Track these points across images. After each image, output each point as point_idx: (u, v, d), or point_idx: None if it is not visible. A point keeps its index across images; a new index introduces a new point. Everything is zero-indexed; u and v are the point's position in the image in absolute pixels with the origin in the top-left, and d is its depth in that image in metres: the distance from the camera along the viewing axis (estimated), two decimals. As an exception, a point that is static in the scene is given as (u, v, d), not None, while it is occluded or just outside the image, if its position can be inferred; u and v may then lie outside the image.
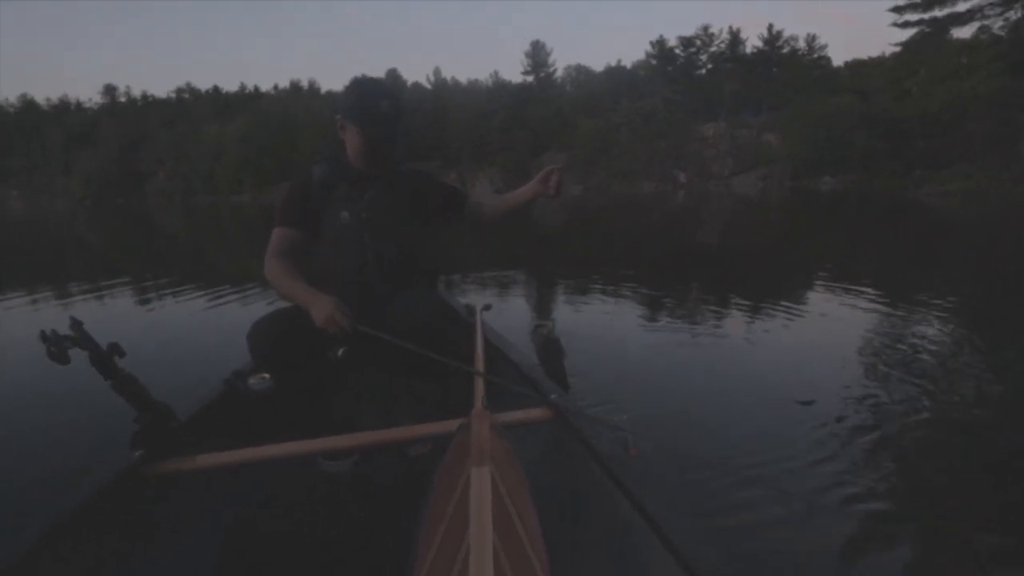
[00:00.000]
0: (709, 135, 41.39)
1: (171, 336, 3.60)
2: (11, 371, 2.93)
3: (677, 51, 46.95)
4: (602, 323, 3.66)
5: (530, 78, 52.18)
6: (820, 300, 4.31)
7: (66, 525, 0.97)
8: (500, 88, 51.44)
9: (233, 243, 11.91)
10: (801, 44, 46.18)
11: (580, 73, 54.21)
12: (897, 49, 35.03)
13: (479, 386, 1.38)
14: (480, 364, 1.60)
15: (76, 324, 1.10)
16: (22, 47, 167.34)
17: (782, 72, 44.42)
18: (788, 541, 1.44)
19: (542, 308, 4.23)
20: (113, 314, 4.41)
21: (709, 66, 47.02)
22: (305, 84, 64.11)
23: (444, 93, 53.36)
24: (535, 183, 1.63)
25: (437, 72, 57.83)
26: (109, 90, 65.93)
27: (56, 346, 1.03)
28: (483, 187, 43.72)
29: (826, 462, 1.79)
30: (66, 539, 0.96)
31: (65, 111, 66.31)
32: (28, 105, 66.74)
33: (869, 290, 4.53)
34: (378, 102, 1.52)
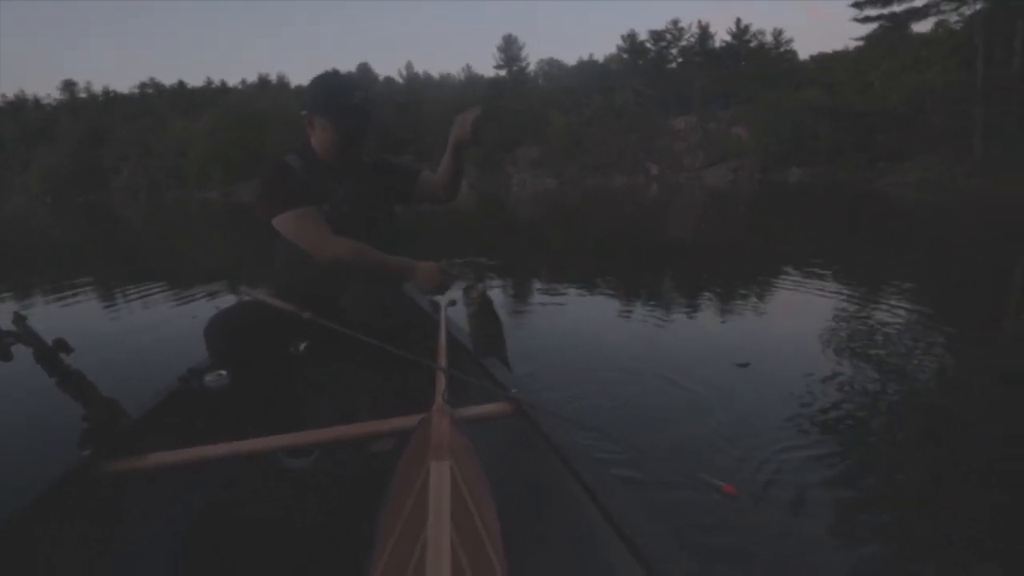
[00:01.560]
0: (680, 128, 41.84)
1: (127, 334, 3.54)
2: None
3: (648, 45, 47.34)
4: (569, 315, 3.75)
5: (503, 72, 52.08)
6: (784, 288, 4.48)
7: (14, 528, 0.94)
8: (473, 82, 51.18)
9: (199, 239, 11.67)
10: (768, 38, 47.09)
11: (552, 67, 54.30)
12: (860, 43, 35.85)
13: (440, 381, 1.37)
14: (442, 359, 1.57)
15: (19, 319, 1.06)
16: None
17: (750, 66, 45.13)
18: (748, 536, 1.45)
19: (513, 302, 4.29)
20: (67, 312, 4.34)
21: (679, 60, 47.51)
22: (274, 78, 62.92)
23: (417, 87, 52.85)
24: (453, 130, 1.56)
25: (409, 66, 57.37)
26: (68, 86, 63.64)
27: None
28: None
29: (787, 453, 1.82)
30: (14, 542, 0.93)
31: (22, 108, 63.83)
32: (-19, 101, 64.04)
33: (832, 278, 4.72)
34: (350, 93, 1.52)
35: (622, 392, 2.35)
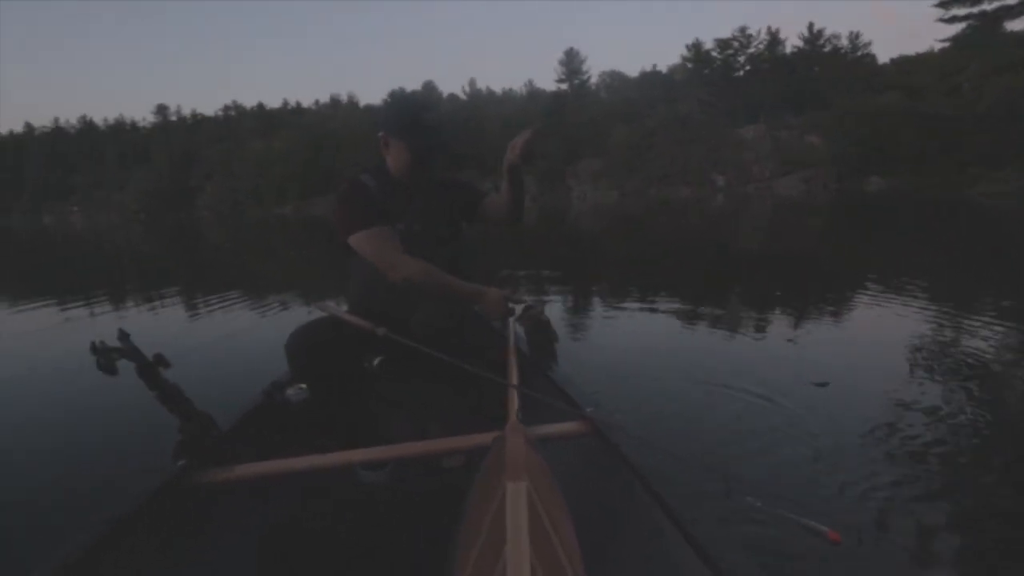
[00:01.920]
0: (748, 137, 40.46)
1: (213, 346, 3.72)
2: (63, 379, 3.06)
3: (714, 53, 46.23)
4: (637, 330, 3.64)
5: (564, 86, 52.24)
6: (866, 303, 4.19)
7: (113, 535, 1.00)
8: (535, 96, 51.62)
9: (278, 255, 12.26)
10: (844, 42, 44.95)
11: (615, 79, 53.92)
12: (946, 45, 33.62)
13: (513, 398, 1.36)
14: (513, 375, 1.57)
15: (124, 336, 1.14)
16: (82, 71, 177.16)
17: (824, 71, 43.19)
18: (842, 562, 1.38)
19: (577, 316, 4.23)
20: (158, 323, 4.62)
21: (747, 68, 46.11)
22: (344, 98, 65.82)
23: (479, 103, 53.87)
24: (506, 154, 1.57)
25: (472, 83, 58.54)
26: (161, 109, 69.05)
27: (105, 357, 1.08)
28: (518, 195, 43.63)
29: (888, 490, 1.71)
30: (112, 548, 0.99)
31: (121, 130, 69.70)
32: (88, 126, 70.46)
33: (919, 293, 4.38)
34: (421, 115, 1.57)
35: (699, 412, 2.25)
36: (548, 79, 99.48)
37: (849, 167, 34.29)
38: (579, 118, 45.93)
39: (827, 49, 44.80)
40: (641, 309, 4.23)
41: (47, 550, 0.93)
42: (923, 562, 1.41)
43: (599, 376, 2.58)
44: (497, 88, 60.18)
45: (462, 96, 56.75)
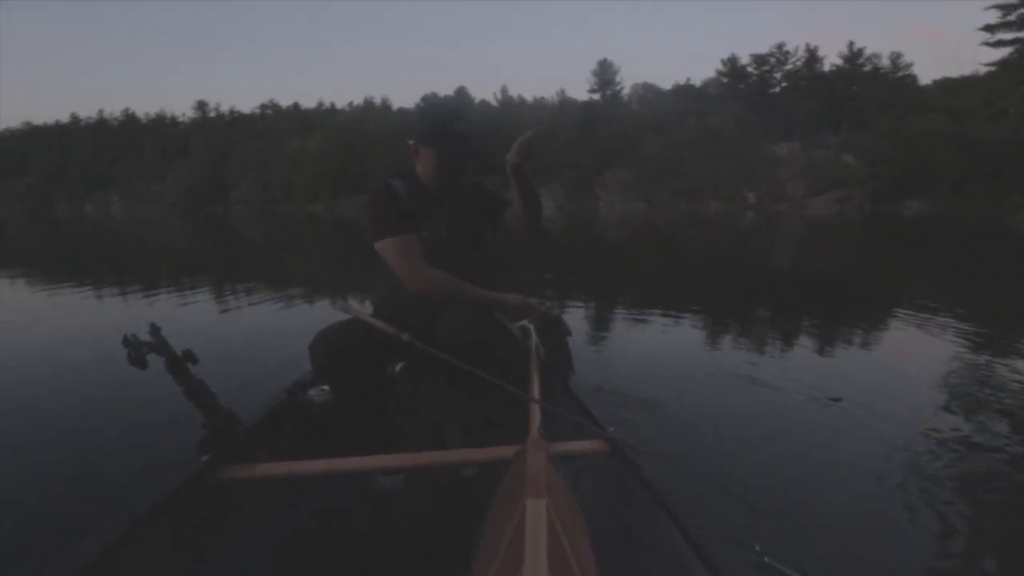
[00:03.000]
0: (783, 154, 39.85)
1: (238, 341, 3.75)
2: (92, 369, 3.08)
3: (750, 69, 45.81)
4: (660, 344, 3.58)
5: (596, 96, 52.21)
6: (899, 332, 4.05)
7: (136, 529, 1.01)
8: (566, 106, 51.70)
9: (306, 251, 12.44)
10: (885, 62, 44.10)
11: (647, 91, 53.70)
12: (991, 68, 32.70)
13: (535, 413, 1.35)
14: (535, 389, 1.56)
15: (155, 330, 1.16)
16: (127, 64, 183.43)
17: (863, 91, 42.36)
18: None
19: (598, 326, 4.18)
20: (186, 315, 4.66)
21: (783, 84, 45.54)
22: (378, 101, 66.86)
23: (511, 110, 54.13)
24: (508, 158, 1.56)
25: (504, 90, 58.92)
26: (201, 106, 71.01)
27: (136, 351, 1.09)
28: (546, 203, 43.70)
29: (898, 508, 1.66)
30: (135, 543, 1.00)
31: (162, 124, 71.81)
32: (130, 119, 72.78)
33: (956, 324, 4.21)
34: (452, 124, 1.58)
35: (723, 434, 2.18)
36: (580, 89, 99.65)
37: (886, 189, 33.54)
38: (610, 129, 45.80)
39: (867, 68, 43.99)
40: (665, 323, 4.15)
41: (70, 542, 0.94)
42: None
43: (620, 389, 2.51)
44: (529, 96, 60.52)
45: (494, 103, 57.12)
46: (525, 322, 1.84)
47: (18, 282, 6.95)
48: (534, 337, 1.96)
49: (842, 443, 2.10)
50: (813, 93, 42.62)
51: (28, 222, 29.45)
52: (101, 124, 72.64)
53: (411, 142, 1.62)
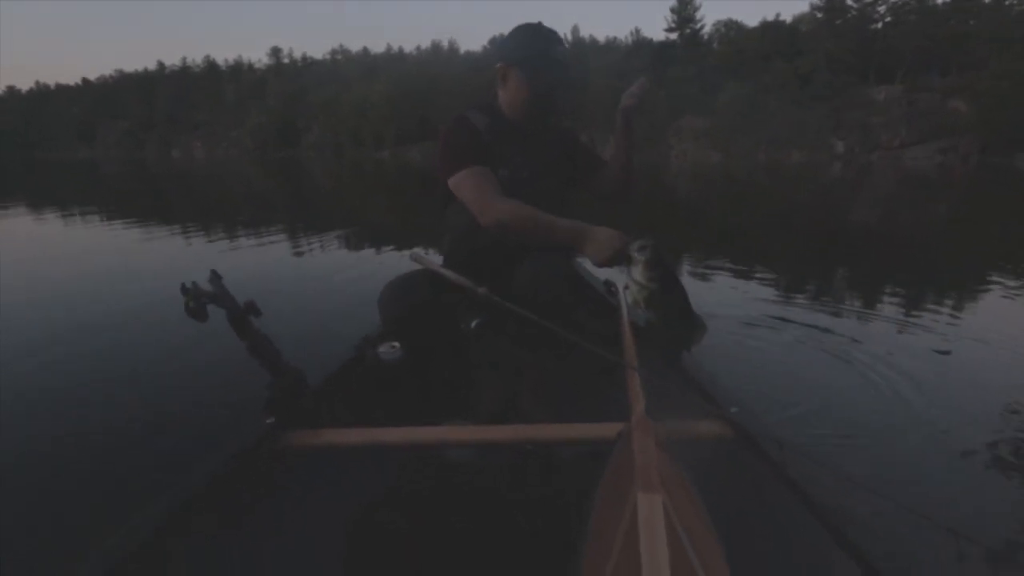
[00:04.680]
0: (880, 99, 36.40)
1: (305, 289, 3.61)
2: (150, 317, 2.89)
3: (850, 1, 41.49)
4: (751, 313, 3.20)
5: (674, 35, 49.08)
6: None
7: (196, 498, 0.96)
8: (640, 46, 49.03)
9: (375, 196, 12.55)
10: (1011, -9, 38.68)
11: (730, 29, 49.98)
12: None
13: (635, 386, 1.18)
14: (632, 356, 1.37)
15: (216, 277, 1.07)
16: (206, 13, 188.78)
17: (981, 25, 37.56)
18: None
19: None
20: (250, 261, 4.57)
21: (888, 19, 41.06)
22: (445, 44, 65.90)
23: (582, 52, 51.98)
24: (622, 113, 1.49)
25: (575, 30, 56.49)
26: (275, 52, 72.68)
27: (195, 300, 1.00)
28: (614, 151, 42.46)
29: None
30: (199, 510, 0.96)
31: (239, 71, 74.14)
32: (210, 66, 75.47)
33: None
34: (552, 47, 1.43)
35: (849, 415, 1.87)
36: (657, 28, 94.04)
37: (999, 138, 30.12)
38: (686, 72, 43.18)
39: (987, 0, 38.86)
40: (755, 288, 3.79)
41: (123, 511, 0.90)
42: None
43: (718, 363, 2.24)
44: (601, 37, 57.81)
45: (564, 44, 55.01)
46: (633, 270, 1.29)
47: (92, 220, 7.25)
48: (622, 292, 1.73)
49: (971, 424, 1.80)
50: (922, 29, 38.19)
51: (121, 164, 31.43)
52: (184, 71, 75.83)
53: (499, 65, 1.46)
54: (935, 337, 2.63)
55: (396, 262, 4.42)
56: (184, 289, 1.00)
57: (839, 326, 2.87)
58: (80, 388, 2.08)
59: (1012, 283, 3.94)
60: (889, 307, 3.22)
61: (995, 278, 4.10)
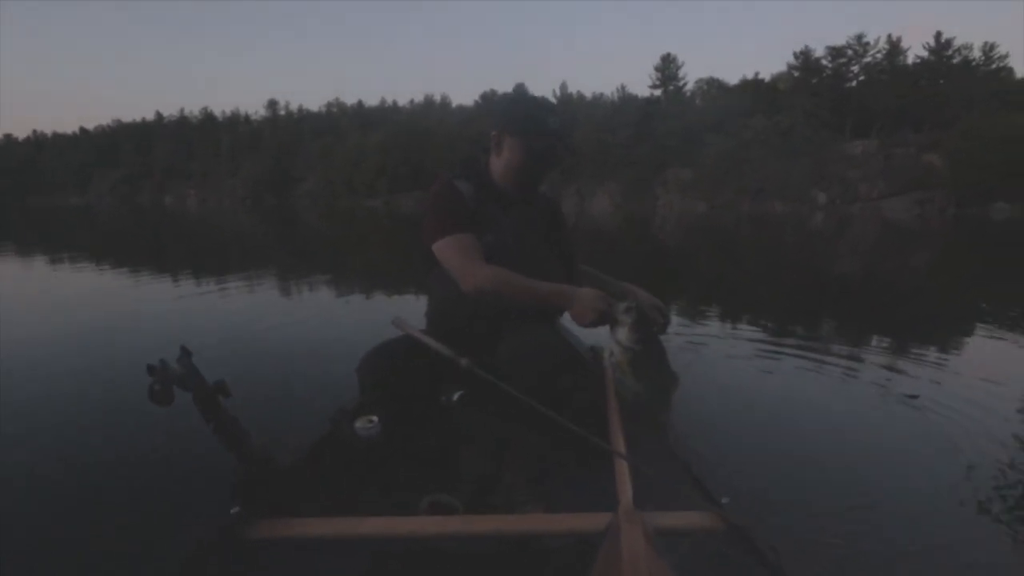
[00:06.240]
0: (857, 153, 37.61)
1: (278, 351, 3.36)
2: (111, 392, 2.59)
3: (824, 62, 43.43)
4: (740, 375, 3.04)
5: (658, 92, 50.93)
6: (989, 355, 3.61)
7: None
8: (626, 102, 50.72)
9: (363, 245, 12.52)
10: (976, 53, 40.78)
11: (712, 86, 51.93)
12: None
13: (623, 473, 1.14)
14: (620, 440, 1.31)
15: (185, 356, 1.00)
16: (205, 65, 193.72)
17: (951, 85, 39.35)
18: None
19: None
20: (226, 311, 4.46)
21: (861, 78, 42.94)
22: (438, 98, 67.81)
23: (570, 107, 53.61)
24: (650, 307, 1.56)
25: (563, 86, 58.43)
26: (271, 104, 74.18)
27: (162, 383, 0.93)
28: (601, 201, 43.16)
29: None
30: None
31: (236, 121, 75.42)
32: (207, 117, 76.82)
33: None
34: (547, 117, 1.47)
35: (848, 496, 1.73)
36: (642, 85, 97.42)
37: (973, 191, 31.08)
38: (671, 126, 44.57)
39: (956, 61, 40.83)
40: (742, 345, 3.63)
41: None
42: None
43: (705, 434, 2.04)
44: (588, 92, 59.75)
45: (552, 99, 56.58)
46: (618, 332, 1.34)
47: (61, 266, 7.11)
48: (607, 360, 1.68)
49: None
50: (894, 87, 39.95)
51: (114, 209, 31.30)
52: (182, 121, 77.00)
53: (494, 132, 1.50)
54: (937, 397, 2.60)
55: (377, 326, 4.19)
56: (151, 369, 0.93)
57: (830, 389, 2.83)
58: (21, 467, 1.87)
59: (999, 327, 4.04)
60: (880, 368, 3.16)
61: (984, 328, 4.22)
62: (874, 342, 3.94)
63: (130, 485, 1.73)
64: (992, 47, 40.57)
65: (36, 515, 1.57)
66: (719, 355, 3.42)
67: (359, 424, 1.35)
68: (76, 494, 1.67)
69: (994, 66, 40.80)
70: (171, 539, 1.01)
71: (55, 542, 1.43)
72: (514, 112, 1.50)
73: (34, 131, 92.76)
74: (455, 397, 1.36)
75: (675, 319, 4.41)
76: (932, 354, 3.53)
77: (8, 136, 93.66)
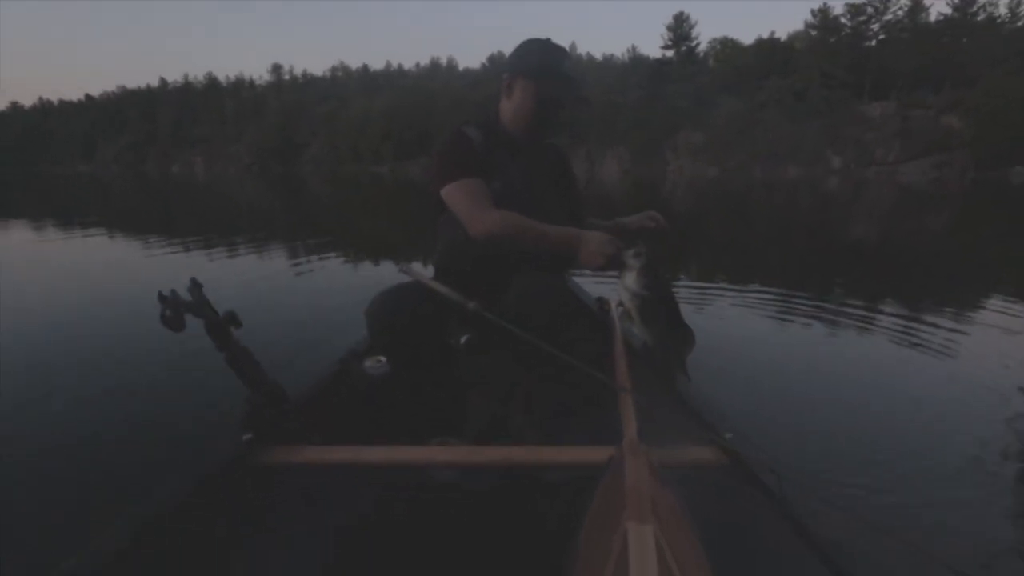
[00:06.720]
0: (874, 115, 36.71)
1: (290, 299, 3.51)
2: (128, 326, 2.81)
3: (843, 20, 42.04)
4: (751, 332, 3.05)
5: (670, 53, 49.60)
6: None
7: (169, 513, 0.91)
8: (637, 63, 49.57)
9: (369, 209, 12.48)
10: (1002, 10, 39.37)
11: (726, 46, 50.52)
12: None
13: (627, 409, 1.15)
14: (624, 377, 1.33)
15: (196, 286, 1.03)
16: (209, 30, 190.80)
17: (974, 43, 38.01)
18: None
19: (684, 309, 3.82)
20: (235, 269, 4.51)
21: (881, 36, 41.55)
22: (444, 61, 66.60)
23: (579, 68, 52.44)
24: (641, 218, 1.62)
25: (573, 47, 57.09)
26: (276, 68, 73.30)
27: (172, 309, 0.95)
28: (611, 166, 42.64)
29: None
30: (167, 528, 0.91)
31: (240, 87, 74.72)
32: (212, 82, 76.06)
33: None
34: (561, 60, 1.45)
35: (855, 438, 1.80)
36: (653, 46, 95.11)
37: (992, 153, 30.35)
38: (683, 88, 43.58)
39: (981, 18, 39.35)
40: (752, 303, 3.72)
41: (91, 528, 0.87)
42: None
43: (714, 383, 2.01)
44: (598, 54, 58.47)
45: (571, 60, 55.69)
46: (627, 277, 1.25)
47: (80, 231, 7.16)
48: (614, 311, 1.68)
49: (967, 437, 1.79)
50: (915, 47, 38.63)
51: (121, 179, 31.47)
52: (186, 87, 76.33)
53: (505, 76, 1.47)
54: (938, 357, 2.59)
55: (385, 273, 4.33)
56: (162, 297, 0.95)
57: (840, 345, 2.84)
58: (46, 399, 2.00)
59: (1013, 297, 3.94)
60: (890, 325, 3.14)
61: (996, 293, 4.11)
62: (888, 300, 3.88)
63: (144, 414, 1.85)
64: (1019, 3, 39.09)
65: (50, 443, 1.69)
66: (729, 312, 3.42)
67: (368, 363, 1.37)
68: (90, 425, 1.79)
69: (1021, 23, 39.33)
70: (184, 465, 1.01)
71: (69, 467, 1.53)
72: (527, 54, 1.47)
73: (40, 98, 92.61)
74: (463, 340, 1.34)
75: (685, 280, 4.39)
76: (949, 312, 3.48)
77: (14, 104, 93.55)
